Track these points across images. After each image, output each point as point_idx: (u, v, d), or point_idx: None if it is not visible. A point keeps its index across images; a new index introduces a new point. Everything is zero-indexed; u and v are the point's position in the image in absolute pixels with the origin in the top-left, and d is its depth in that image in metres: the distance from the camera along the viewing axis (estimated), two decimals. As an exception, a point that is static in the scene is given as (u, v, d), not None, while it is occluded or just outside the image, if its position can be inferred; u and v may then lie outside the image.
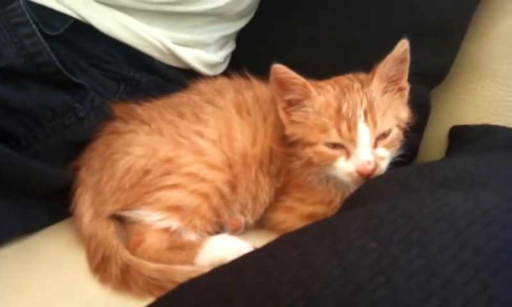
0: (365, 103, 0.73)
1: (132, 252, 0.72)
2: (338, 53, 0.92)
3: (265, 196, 0.81)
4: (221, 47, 1.02)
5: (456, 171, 0.56)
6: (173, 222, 0.74)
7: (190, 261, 0.71)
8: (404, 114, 0.78)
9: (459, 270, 0.36)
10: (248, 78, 0.88)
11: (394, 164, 0.78)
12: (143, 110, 0.83)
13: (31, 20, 0.76)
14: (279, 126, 0.80)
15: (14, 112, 0.75)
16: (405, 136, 0.79)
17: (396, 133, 0.76)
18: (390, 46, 0.75)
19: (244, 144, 0.79)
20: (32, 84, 0.75)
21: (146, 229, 0.74)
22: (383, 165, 0.74)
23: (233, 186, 0.79)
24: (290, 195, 0.82)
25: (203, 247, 0.72)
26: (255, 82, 0.87)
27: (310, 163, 0.77)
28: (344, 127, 0.72)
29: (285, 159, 0.80)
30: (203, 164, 0.76)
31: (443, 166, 0.58)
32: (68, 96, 0.79)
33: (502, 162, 0.58)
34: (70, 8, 0.82)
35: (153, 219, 0.74)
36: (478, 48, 0.92)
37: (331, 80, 0.79)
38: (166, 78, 0.95)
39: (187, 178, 0.75)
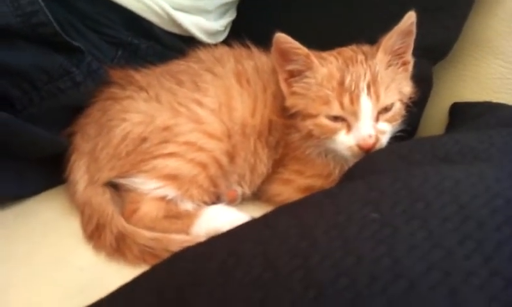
0: (368, 76, 0.72)
1: (127, 220, 0.72)
2: (342, 25, 0.91)
3: (263, 167, 0.80)
4: (222, 15, 1.00)
5: (459, 145, 0.56)
6: (170, 191, 0.73)
7: (185, 231, 0.71)
8: (407, 88, 0.77)
9: (461, 243, 0.36)
10: (248, 47, 0.86)
11: (394, 139, 0.77)
12: (141, 76, 0.81)
13: None
14: (279, 97, 0.79)
15: (8, 74, 0.73)
16: (407, 111, 0.79)
17: (398, 108, 0.75)
18: (396, 19, 0.73)
19: (244, 114, 0.78)
20: (28, 45, 0.73)
21: (141, 198, 0.73)
22: (384, 140, 0.74)
23: (231, 156, 0.78)
24: (287, 167, 0.81)
25: (199, 217, 0.72)
26: (255, 51, 0.85)
27: (309, 135, 0.76)
28: (346, 100, 0.71)
29: (284, 131, 0.80)
30: (202, 133, 0.75)
31: (445, 141, 0.58)
32: (65, 60, 0.77)
33: (505, 138, 0.57)
34: (69, -31, 0.80)
35: (149, 187, 0.73)
36: (483, 25, 0.91)
37: (335, 52, 0.78)
38: (165, 45, 0.93)
39: (185, 147, 0.74)
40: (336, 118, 0.73)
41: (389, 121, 0.74)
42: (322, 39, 0.78)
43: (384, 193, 0.43)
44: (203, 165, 0.74)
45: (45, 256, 0.69)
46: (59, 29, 0.74)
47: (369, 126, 0.71)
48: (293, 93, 0.76)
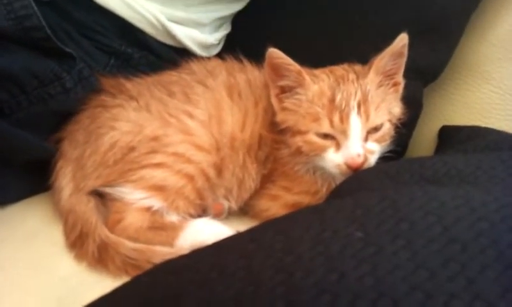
0: (359, 95, 0.72)
1: (111, 229, 0.71)
2: (335, 44, 0.91)
3: (251, 182, 0.80)
4: (216, 29, 1.01)
5: (446, 167, 0.56)
6: (156, 202, 0.73)
7: (170, 243, 0.70)
8: (397, 109, 0.77)
9: (445, 265, 0.35)
10: (241, 61, 0.86)
11: (383, 159, 0.77)
12: (132, 85, 0.81)
13: None
14: (270, 112, 0.79)
15: None
16: (396, 132, 0.79)
17: (388, 128, 0.75)
18: (388, 40, 0.74)
19: (233, 128, 0.78)
20: (19, 48, 0.73)
21: (127, 207, 0.73)
22: (372, 160, 0.74)
23: (219, 169, 0.77)
24: (276, 183, 0.81)
25: (185, 230, 0.71)
26: (248, 65, 0.85)
27: (298, 152, 0.76)
28: (336, 118, 0.71)
29: (274, 146, 0.79)
30: (190, 145, 0.74)
31: (433, 162, 0.58)
32: (56, 65, 0.76)
33: (492, 161, 0.57)
34: (64, -25, 0.80)
35: (135, 197, 0.73)
36: (474, 49, 0.92)
37: (326, 70, 0.78)
38: (158, 56, 0.93)
39: (173, 158, 0.73)
40: (325, 136, 0.73)
41: (378, 141, 0.74)
42: (315, 57, 0.79)
43: (370, 211, 0.43)
44: (190, 177, 0.74)
45: (26, 263, 0.68)
46: (52, 34, 0.74)
47: (358, 145, 0.71)
48: (284, 109, 0.76)
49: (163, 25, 0.89)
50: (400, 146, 0.83)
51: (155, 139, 0.74)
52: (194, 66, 0.86)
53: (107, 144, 0.74)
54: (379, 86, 0.75)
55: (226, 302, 0.38)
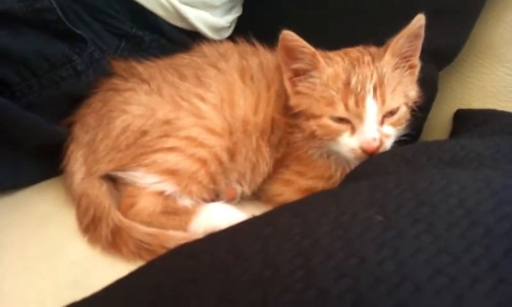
0: (375, 77, 0.71)
1: (124, 214, 0.71)
2: (350, 24, 0.90)
3: (264, 166, 0.79)
4: (228, 11, 0.99)
5: (465, 150, 0.55)
6: (169, 186, 0.72)
7: (183, 227, 0.70)
8: (413, 92, 0.76)
9: (468, 249, 0.35)
10: (253, 44, 0.85)
11: (398, 143, 0.76)
12: (143, 68, 0.80)
13: None
14: (283, 95, 0.78)
15: (9, 59, 0.72)
16: (411, 115, 0.78)
17: (404, 112, 0.74)
18: (404, 21, 0.72)
19: (246, 112, 0.77)
20: (30, 31, 0.72)
21: (140, 192, 0.72)
22: (388, 144, 0.73)
23: (232, 153, 0.77)
24: (289, 168, 0.80)
25: (198, 214, 0.71)
26: (260, 48, 0.84)
27: (312, 136, 0.75)
28: (351, 101, 0.70)
29: (287, 130, 0.78)
30: (203, 128, 0.74)
31: (451, 145, 0.57)
32: (67, 48, 0.76)
33: (510, 144, 0.56)
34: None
35: (148, 181, 0.72)
36: (490, 31, 0.90)
37: (341, 52, 0.77)
38: (169, 39, 0.92)
39: (186, 142, 0.73)
40: (340, 120, 0.72)
41: (394, 124, 0.73)
42: (329, 39, 0.77)
43: (389, 195, 0.43)
44: (203, 162, 0.73)
45: (39, 247, 0.68)
46: (63, 16, 0.73)
47: (374, 130, 0.70)
48: (297, 92, 0.75)
49: (174, 7, 0.88)
50: (415, 130, 0.82)
51: (167, 122, 0.73)
52: (206, 49, 0.85)
53: (119, 127, 0.73)
54: (395, 68, 0.74)
55: (244, 285, 0.37)
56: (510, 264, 0.33)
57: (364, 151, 0.70)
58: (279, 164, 0.80)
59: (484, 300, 0.31)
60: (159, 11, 0.88)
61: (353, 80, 0.70)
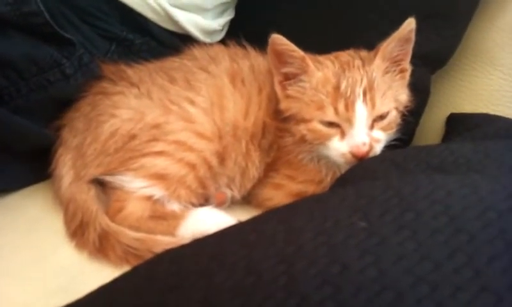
0: (365, 82, 0.70)
1: (112, 218, 0.70)
2: (341, 30, 0.90)
3: (254, 171, 0.79)
4: (220, 14, 0.99)
5: (454, 155, 0.55)
6: (157, 191, 0.72)
7: (171, 232, 0.69)
8: (404, 96, 0.76)
9: (451, 256, 0.35)
10: (245, 47, 0.85)
11: (389, 148, 0.76)
12: (133, 72, 0.80)
13: None
14: (274, 99, 0.78)
15: None
16: (402, 120, 0.77)
17: (394, 116, 0.74)
18: (395, 25, 0.72)
19: (236, 116, 0.77)
20: (17, 34, 0.71)
21: (128, 196, 0.72)
22: (378, 148, 0.72)
23: (221, 158, 0.76)
24: (279, 172, 0.80)
25: (186, 219, 0.70)
26: (252, 51, 0.84)
27: (302, 140, 0.75)
28: (341, 106, 0.70)
29: (277, 134, 0.78)
30: (192, 132, 0.73)
31: (441, 149, 0.57)
32: (55, 51, 0.75)
33: (500, 149, 0.56)
34: (64, -40, 0.79)
35: (136, 185, 0.72)
36: (483, 35, 0.90)
37: (331, 56, 0.77)
38: (160, 42, 0.92)
39: (174, 146, 0.72)
40: (330, 124, 0.71)
41: (384, 129, 0.73)
42: (320, 43, 0.78)
43: (374, 201, 0.42)
44: (192, 166, 0.73)
45: (28, 252, 0.67)
46: (51, 20, 0.72)
47: (363, 134, 0.70)
48: (287, 96, 0.75)
49: (165, 11, 0.88)
50: (406, 135, 0.82)
51: (157, 126, 0.73)
52: (197, 52, 0.85)
53: (108, 132, 0.73)
54: (386, 72, 0.73)
55: (226, 293, 0.37)
56: (493, 272, 0.33)
57: (354, 155, 0.70)
58: (269, 168, 0.80)
59: (465, 310, 0.30)
60: (150, 15, 0.88)
61: (343, 84, 0.70)
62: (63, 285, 0.62)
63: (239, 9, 1.04)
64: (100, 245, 0.66)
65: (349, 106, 0.69)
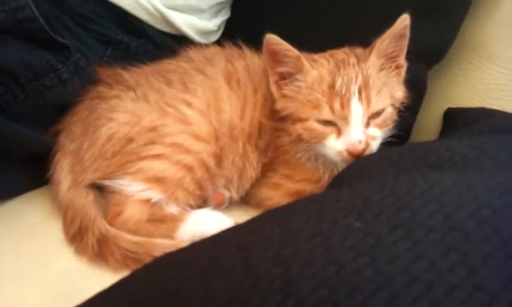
0: (360, 79, 0.70)
1: (111, 222, 0.70)
2: (336, 26, 0.90)
3: (252, 171, 0.79)
4: (215, 14, 0.99)
5: (450, 152, 0.55)
6: (155, 194, 0.72)
7: (170, 235, 0.70)
8: (400, 93, 0.76)
9: (446, 255, 0.34)
10: (240, 47, 0.85)
11: (386, 144, 0.76)
12: (129, 75, 0.80)
13: None
14: (270, 99, 0.78)
15: None
16: (399, 116, 0.77)
17: (390, 113, 0.74)
18: (389, 21, 0.72)
19: (232, 117, 0.77)
20: (13, 40, 0.71)
21: (126, 200, 0.72)
22: (374, 145, 0.72)
23: (218, 159, 0.76)
24: (277, 171, 0.80)
25: (185, 221, 0.71)
26: (247, 52, 0.84)
27: (299, 139, 0.75)
28: (336, 104, 0.70)
29: (274, 134, 0.78)
30: (189, 135, 0.73)
31: (436, 147, 0.56)
32: (51, 56, 0.75)
33: (496, 145, 0.56)
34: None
35: (134, 189, 0.72)
36: (479, 29, 0.90)
37: (327, 54, 0.77)
38: (156, 44, 0.92)
39: (171, 149, 0.72)
40: (326, 122, 0.71)
41: (380, 126, 0.73)
42: (315, 41, 0.77)
43: (370, 200, 0.42)
44: (189, 168, 0.73)
45: (28, 258, 0.68)
46: (46, 25, 0.72)
47: (359, 132, 0.70)
48: (283, 96, 0.75)
49: (160, 12, 0.88)
50: (403, 131, 0.82)
51: (154, 129, 0.73)
52: (193, 53, 0.85)
53: (105, 136, 0.73)
54: (381, 69, 0.73)
55: (224, 296, 0.37)
56: (487, 270, 0.33)
57: (350, 153, 0.70)
58: (267, 168, 0.80)
59: (460, 308, 0.30)
60: (145, 17, 0.88)
61: (338, 83, 0.70)
62: (63, 290, 0.62)
63: (234, 9, 1.04)
64: (99, 250, 0.67)
65: (345, 104, 0.69)
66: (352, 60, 0.73)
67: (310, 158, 0.77)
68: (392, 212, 0.40)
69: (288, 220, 0.44)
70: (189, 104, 0.75)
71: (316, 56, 0.76)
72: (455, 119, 0.86)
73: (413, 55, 0.78)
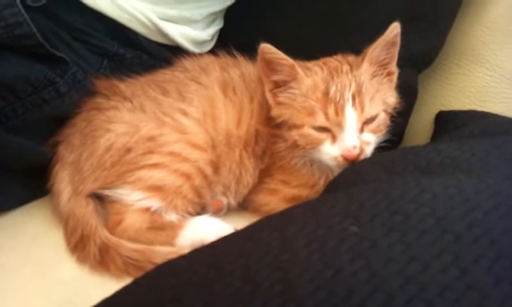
0: (353, 86, 0.72)
1: (112, 231, 0.71)
2: (327, 34, 0.91)
3: (249, 178, 0.80)
4: (209, 24, 1.00)
5: (441, 156, 0.56)
6: (154, 202, 0.73)
7: (170, 242, 0.70)
8: (392, 99, 0.77)
9: (438, 256, 0.35)
10: (234, 56, 0.86)
11: (380, 149, 0.77)
12: (125, 86, 0.81)
13: None
14: (265, 106, 0.79)
15: None
16: (391, 121, 0.79)
17: (383, 118, 0.75)
18: (379, 28, 0.73)
19: (228, 125, 0.78)
20: (11, 56, 0.72)
21: (126, 209, 0.73)
22: (369, 150, 0.74)
23: (216, 167, 0.78)
24: (274, 177, 0.81)
25: (184, 228, 0.71)
26: (241, 60, 0.85)
27: (295, 145, 0.76)
28: (331, 111, 0.71)
29: (270, 140, 0.79)
30: (186, 143, 0.74)
31: (427, 151, 0.58)
32: (49, 70, 0.76)
33: (486, 148, 0.57)
34: (53, -21, 0.79)
35: (133, 198, 0.73)
36: (468, 33, 0.91)
37: (320, 62, 0.78)
38: (151, 55, 0.93)
39: (169, 157, 0.73)
40: (321, 129, 0.73)
41: (373, 131, 0.74)
42: (308, 49, 0.79)
43: (364, 205, 0.43)
44: (187, 176, 0.74)
45: (30, 269, 0.68)
46: (43, 40, 0.73)
47: (354, 137, 0.71)
48: (278, 103, 0.76)
49: (155, 25, 0.89)
50: (396, 135, 0.83)
51: (151, 139, 0.74)
52: (187, 63, 0.86)
53: (104, 146, 0.74)
54: (373, 76, 0.75)
55: (225, 302, 0.38)
56: (479, 270, 0.34)
57: (345, 158, 0.71)
58: (264, 174, 0.81)
59: (453, 308, 0.32)
60: (140, 29, 0.89)
61: (332, 90, 0.72)
62: (66, 300, 0.63)
63: (227, 18, 1.05)
64: (101, 258, 0.67)
65: (339, 111, 0.71)
66: (346, 67, 0.75)
67: (305, 163, 0.79)
68: (386, 216, 0.41)
69: (286, 226, 0.45)
70: (185, 113, 0.77)
71: (310, 64, 0.78)
72: (446, 122, 0.87)
73: (403, 62, 0.80)
